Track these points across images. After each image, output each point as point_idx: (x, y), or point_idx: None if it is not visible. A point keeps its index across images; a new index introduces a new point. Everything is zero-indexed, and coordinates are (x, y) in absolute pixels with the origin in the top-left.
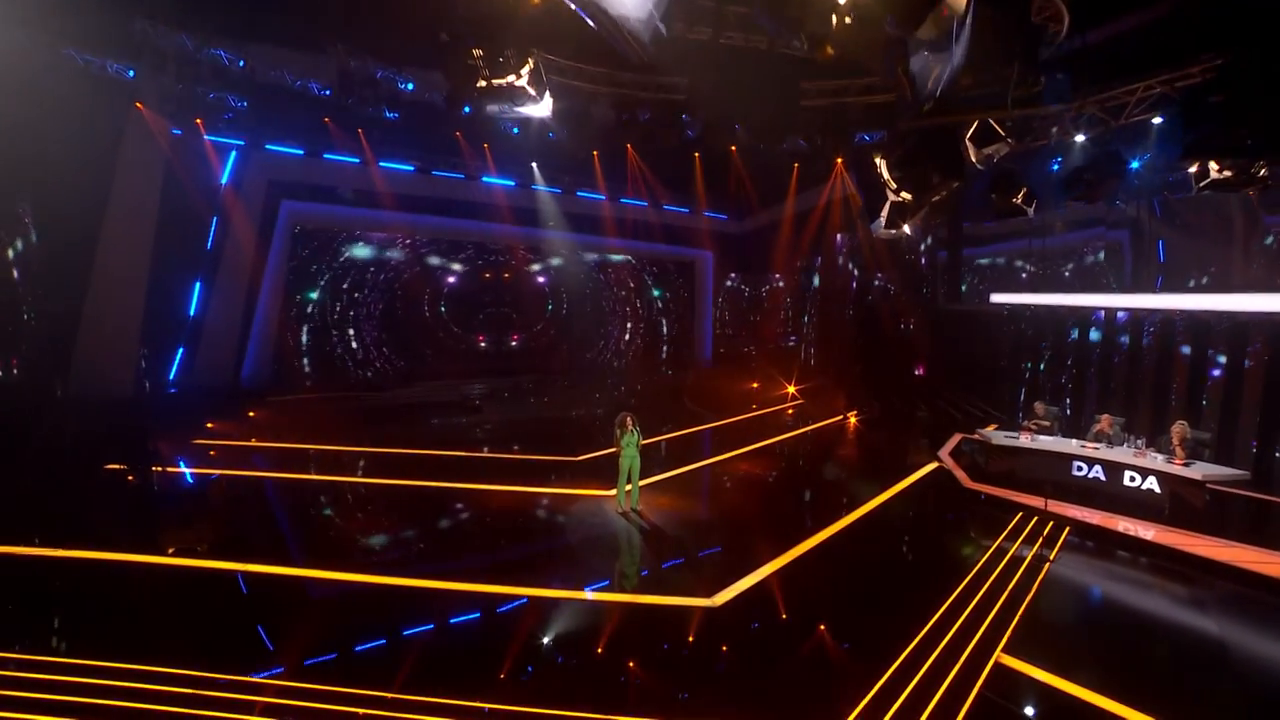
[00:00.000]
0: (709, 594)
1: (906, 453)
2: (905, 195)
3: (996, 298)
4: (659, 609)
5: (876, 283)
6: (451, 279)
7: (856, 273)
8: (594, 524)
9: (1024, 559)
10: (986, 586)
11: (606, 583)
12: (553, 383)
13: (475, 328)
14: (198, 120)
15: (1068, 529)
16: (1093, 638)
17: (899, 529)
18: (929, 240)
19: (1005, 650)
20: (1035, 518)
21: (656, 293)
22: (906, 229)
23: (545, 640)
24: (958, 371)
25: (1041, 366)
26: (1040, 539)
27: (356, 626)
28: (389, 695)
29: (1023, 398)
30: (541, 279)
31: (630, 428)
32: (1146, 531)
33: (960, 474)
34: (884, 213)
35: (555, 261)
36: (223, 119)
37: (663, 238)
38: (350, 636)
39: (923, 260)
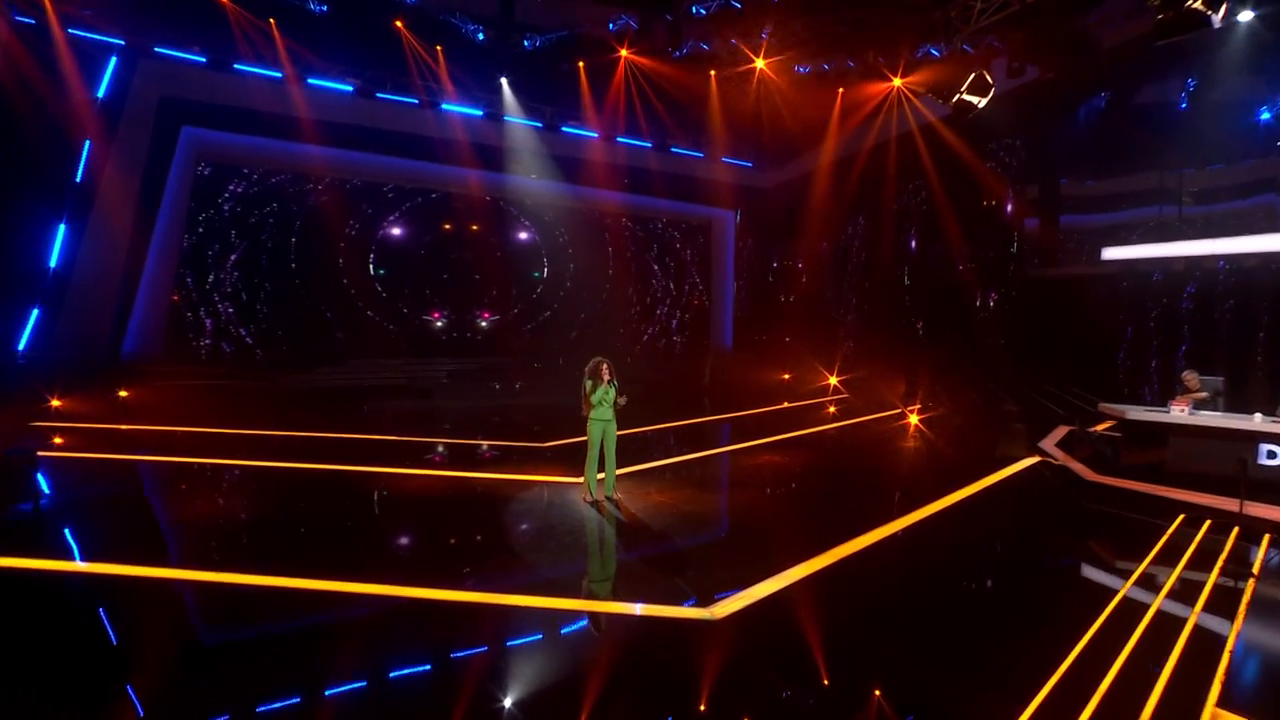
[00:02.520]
0: (706, 604)
1: (995, 444)
2: None
3: (1110, 253)
4: (637, 622)
5: (945, 247)
6: (397, 233)
7: (919, 234)
8: (554, 516)
9: (1206, 577)
10: (1152, 612)
11: (565, 589)
12: (521, 369)
13: (428, 301)
14: None
15: (1268, 537)
16: None
17: (991, 532)
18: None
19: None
20: (1208, 520)
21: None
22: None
23: (480, 668)
24: (1054, 353)
25: (1183, 337)
26: (1226, 550)
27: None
28: None
29: (1154, 379)
30: (516, 241)
31: (606, 379)
32: None
33: (1078, 467)
34: None
35: (532, 220)
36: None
37: (671, 191)
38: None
39: (1007, 207)
